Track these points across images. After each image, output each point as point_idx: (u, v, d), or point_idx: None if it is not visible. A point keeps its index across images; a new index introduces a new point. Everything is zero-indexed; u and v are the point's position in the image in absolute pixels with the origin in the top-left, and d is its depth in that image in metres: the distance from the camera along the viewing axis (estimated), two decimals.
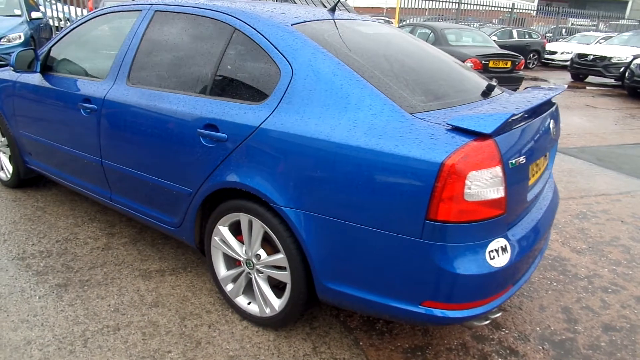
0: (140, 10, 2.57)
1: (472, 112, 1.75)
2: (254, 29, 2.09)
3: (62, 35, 2.94)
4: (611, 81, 13.34)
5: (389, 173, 1.65)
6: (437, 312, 1.71)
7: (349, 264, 1.81)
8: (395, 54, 2.16)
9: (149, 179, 2.40)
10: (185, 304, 2.34)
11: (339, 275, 1.85)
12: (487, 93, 2.14)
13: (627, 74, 10.78)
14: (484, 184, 1.61)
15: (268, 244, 2.11)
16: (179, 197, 2.30)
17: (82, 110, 2.64)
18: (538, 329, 2.31)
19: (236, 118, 2.01)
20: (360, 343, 2.14)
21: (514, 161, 1.71)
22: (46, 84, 2.88)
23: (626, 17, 32.66)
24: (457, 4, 16.58)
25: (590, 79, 13.82)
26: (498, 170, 1.63)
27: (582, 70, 12.67)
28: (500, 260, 1.72)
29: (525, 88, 2.32)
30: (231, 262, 2.31)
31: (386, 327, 2.26)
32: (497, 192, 1.65)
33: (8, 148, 3.46)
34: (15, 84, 3.12)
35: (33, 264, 2.60)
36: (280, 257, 2.00)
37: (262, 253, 2.10)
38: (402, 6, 15.97)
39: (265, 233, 2.04)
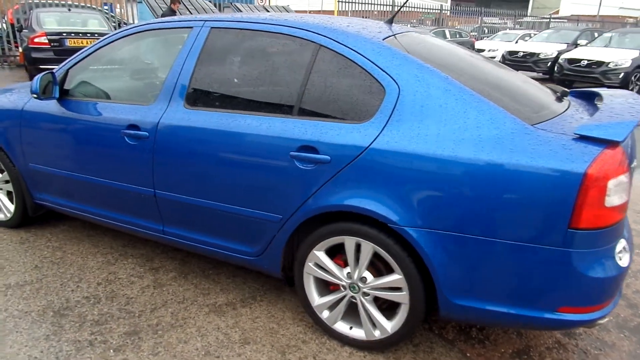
0: (192, 28, 2.38)
1: (590, 121, 1.82)
2: (345, 46, 2.02)
3: (82, 56, 2.65)
4: (539, 75, 14.48)
5: (526, 186, 1.67)
6: (573, 317, 1.77)
7: (479, 279, 1.81)
8: (474, 65, 2.19)
9: (222, 208, 2.24)
10: (276, 336, 2.21)
11: (467, 290, 1.84)
12: (560, 99, 2.24)
13: (556, 68, 11.77)
14: (618, 190, 1.68)
15: (371, 266, 2.05)
16: (263, 225, 2.17)
17: (126, 139, 2.40)
18: (611, 318, 2.45)
19: (339, 138, 1.93)
20: (468, 354, 2.15)
21: (632, 166, 1.81)
22: (71, 112, 2.58)
23: (528, 15, 35.52)
24: (391, 7, 17.16)
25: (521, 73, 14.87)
26: (627, 175, 1.71)
27: (513, 66, 13.62)
28: (625, 260, 1.81)
29: (582, 89, 2.44)
30: (322, 287, 2.22)
31: (482, 334, 2.29)
32: (625, 197, 1.73)
33: (7, 184, 3.06)
34: (23, 112, 2.77)
35: (86, 314, 2.33)
36: (396, 278, 1.95)
37: (367, 275, 2.04)
38: (340, 9, 16.23)
39: (373, 255, 1.99)
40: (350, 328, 2.16)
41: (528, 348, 2.21)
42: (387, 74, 1.93)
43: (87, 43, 8.13)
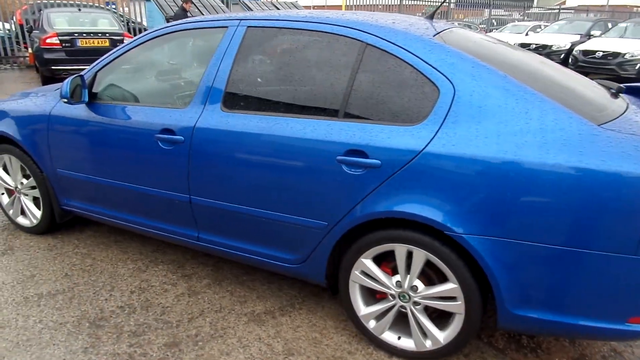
0: (226, 27, 2.29)
1: None
2: (394, 44, 1.93)
3: (110, 58, 2.57)
4: None
5: (597, 191, 1.57)
6: None
7: (543, 289, 1.72)
8: (527, 63, 2.09)
9: (262, 214, 2.16)
10: (320, 346, 2.14)
11: (529, 301, 1.75)
12: (616, 96, 2.13)
13: (570, 60, 11.59)
14: None
15: (422, 274, 1.96)
16: (307, 232, 2.09)
17: (160, 143, 2.32)
18: None
19: (390, 142, 1.84)
20: None
21: None
22: (101, 116, 2.50)
23: (535, 6, 35.11)
24: (398, 0, 17.02)
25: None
26: None
27: None
28: None
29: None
30: (368, 296, 2.14)
31: (533, 342, 2.20)
32: None
33: (33, 190, 2.99)
34: (51, 117, 2.69)
35: (122, 325, 2.26)
36: (451, 287, 1.86)
37: (418, 284, 1.95)
38: (348, 4, 16.08)
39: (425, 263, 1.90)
40: (399, 338, 2.08)
41: (583, 357, 2.11)
42: (441, 73, 1.83)
43: (98, 43, 8.07)
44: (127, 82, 2.58)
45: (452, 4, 24.43)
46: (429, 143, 1.78)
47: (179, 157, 2.29)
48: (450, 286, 1.87)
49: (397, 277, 1.99)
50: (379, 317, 2.09)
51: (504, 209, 1.69)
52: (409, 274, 1.95)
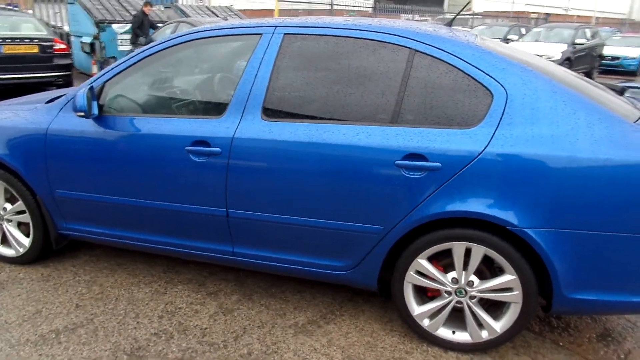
0: (260, 34, 2.23)
1: None
2: (444, 51, 2.00)
3: (121, 68, 2.38)
4: None
5: None
6: None
7: (597, 272, 1.88)
8: (556, 68, 2.26)
9: (311, 223, 2.13)
10: (377, 350, 2.15)
11: (584, 284, 1.91)
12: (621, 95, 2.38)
13: None
14: None
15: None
16: (361, 237, 2.10)
17: (192, 156, 2.20)
18: None
19: (449, 145, 1.91)
20: (561, 343, 2.23)
21: None
22: (116, 130, 2.31)
23: (445, 11, 37.47)
24: (330, 6, 17.34)
25: None
26: None
27: None
28: None
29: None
30: (420, 295, 2.20)
31: (562, 323, 2.39)
32: None
33: (20, 215, 2.68)
34: (50, 133, 2.43)
35: (165, 352, 2.11)
36: (509, 279, 1.97)
37: (474, 279, 2.05)
38: (280, 8, 16.09)
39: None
40: (453, 332, 2.16)
41: (607, 330, 2.34)
42: (493, 78, 1.94)
43: (25, 50, 7.36)
44: (144, 92, 2.41)
45: (370, 9, 25.37)
46: (488, 144, 1.88)
47: (215, 170, 2.19)
48: (508, 278, 1.98)
49: (452, 274, 2.07)
50: (434, 314, 2.16)
51: (561, 202, 1.83)
52: (464, 270, 2.04)
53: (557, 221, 1.85)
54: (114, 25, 10.47)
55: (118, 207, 2.43)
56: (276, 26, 2.23)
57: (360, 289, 2.56)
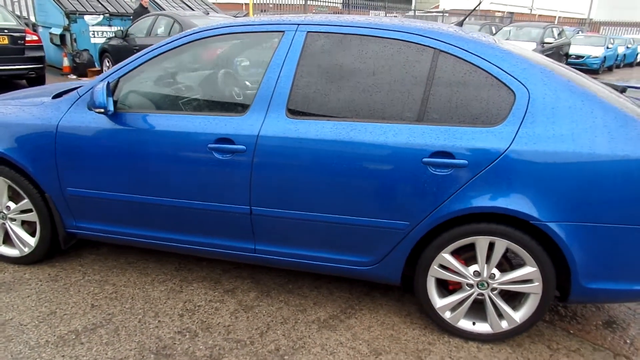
0: (283, 32, 2.23)
1: None
2: (467, 51, 2.06)
3: (137, 63, 2.33)
4: None
5: None
6: None
7: (613, 262, 1.99)
8: (565, 68, 2.36)
9: (337, 219, 2.16)
10: (401, 342, 2.21)
11: (599, 274, 2.02)
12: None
13: None
14: None
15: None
16: (387, 233, 2.14)
17: (215, 154, 2.19)
18: None
19: (475, 143, 1.98)
20: (571, 331, 2.35)
21: None
22: (134, 127, 2.27)
23: (412, 9, 37.96)
24: (303, 0, 17.30)
25: None
26: None
27: None
28: None
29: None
30: (441, 289, 2.27)
31: (569, 312, 2.51)
32: None
33: (25, 214, 2.59)
34: (60, 130, 2.36)
35: (193, 350, 2.10)
36: (530, 271, 2.06)
37: (495, 271, 2.13)
38: (255, 2, 15.91)
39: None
40: (474, 324, 2.24)
41: (611, 318, 2.48)
42: (515, 78, 2.01)
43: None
44: (161, 89, 2.37)
45: (339, 5, 25.42)
46: (512, 142, 1.96)
47: (239, 167, 2.18)
48: (529, 270, 2.07)
49: (474, 267, 2.15)
50: (455, 307, 2.23)
51: (581, 197, 1.92)
52: (487, 263, 2.12)
53: (577, 215, 1.94)
54: (86, 17, 10.13)
55: (135, 205, 2.38)
56: (298, 24, 2.24)
57: (379, 283, 2.61)
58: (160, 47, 2.34)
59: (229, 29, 2.31)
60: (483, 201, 1.99)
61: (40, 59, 7.85)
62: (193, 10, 11.60)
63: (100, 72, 9.95)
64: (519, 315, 2.16)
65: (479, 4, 3.06)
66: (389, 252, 2.19)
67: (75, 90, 2.45)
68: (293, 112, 2.16)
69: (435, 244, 2.12)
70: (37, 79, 8.02)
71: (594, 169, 1.91)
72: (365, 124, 2.09)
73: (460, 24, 2.58)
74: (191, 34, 2.32)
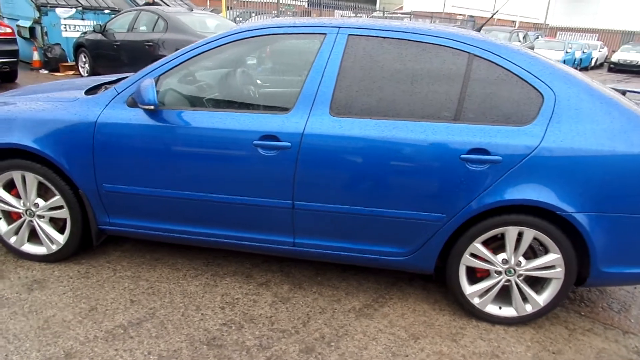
0: (325, 34, 2.33)
1: None
2: (499, 56, 2.24)
3: (178, 61, 2.37)
4: None
5: None
6: None
7: (629, 248, 2.22)
8: (574, 72, 2.58)
9: (377, 213, 2.29)
10: (435, 327, 2.37)
11: (615, 259, 2.24)
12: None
13: None
14: None
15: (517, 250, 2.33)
16: (424, 225, 2.29)
17: (260, 150, 2.27)
18: None
19: (509, 140, 2.16)
20: (582, 313, 2.58)
21: None
22: (177, 124, 2.31)
23: (377, 9, 38.57)
24: None
25: None
26: None
27: None
28: None
29: None
30: (470, 276, 2.43)
31: (578, 296, 2.75)
32: None
33: (55, 211, 2.57)
34: (99, 125, 2.37)
35: (242, 340, 2.17)
36: (554, 258, 2.26)
37: (521, 259, 2.32)
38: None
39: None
40: (500, 308, 2.42)
41: (614, 300, 2.73)
42: (543, 81, 2.20)
43: None
44: (203, 86, 2.41)
45: (304, 3, 25.52)
46: (542, 140, 2.15)
47: (283, 164, 2.27)
48: (553, 257, 2.27)
49: (502, 255, 2.33)
50: (483, 293, 2.40)
51: (602, 189, 2.13)
52: (514, 251, 2.30)
53: (598, 206, 2.15)
54: (58, 10, 9.79)
55: (174, 201, 2.42)
56: (339, 27, 2.35)
57: (404, 273, 2.76)
58: (201, 46, 2.39)
59: (271, 30, 2.38)
60: (515, 194, 2.17)
61: (14, 53, 7.58)
62: (169, 5, 11.41)
63: (74, 67, 9.65)
64: (542, 299, 2.36)
65: (495, 12, 3.24)
66: (425, 242, 2.33)
67: (113, 87, 2.46)
68: (336, 111, 2.27)
69: (469, 234, 2.29)
70: (10, 73, 7.73)
71: (613, 164, 2.12)
72: (406, 122, 2.23)
73: (479, 29, 2.76)
74: (233, 34, 2.38)
